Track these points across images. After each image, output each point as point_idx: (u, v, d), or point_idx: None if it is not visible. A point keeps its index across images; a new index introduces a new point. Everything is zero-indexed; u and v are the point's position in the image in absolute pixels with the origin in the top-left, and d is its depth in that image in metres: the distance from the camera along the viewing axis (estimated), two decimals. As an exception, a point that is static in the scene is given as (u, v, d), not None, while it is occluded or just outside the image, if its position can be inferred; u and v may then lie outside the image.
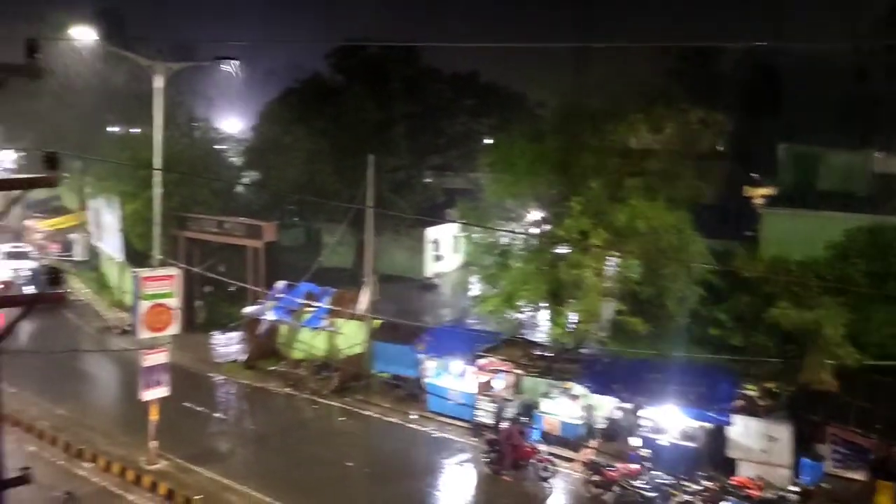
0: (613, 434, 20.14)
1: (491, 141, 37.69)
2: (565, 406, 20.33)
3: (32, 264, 34.82)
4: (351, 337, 24.89)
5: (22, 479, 8.37)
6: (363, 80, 37.77)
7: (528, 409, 20.78)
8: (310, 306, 25.47)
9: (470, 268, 26.05)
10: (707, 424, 18.71)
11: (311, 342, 25.48)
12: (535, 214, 25.89)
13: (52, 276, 9.76)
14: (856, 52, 43.27)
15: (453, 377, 22.38)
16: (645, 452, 18.32)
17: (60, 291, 11.28)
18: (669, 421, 18.91)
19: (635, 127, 24.52)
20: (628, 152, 24.11)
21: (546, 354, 21.91)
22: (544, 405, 20.56)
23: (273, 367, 25.88)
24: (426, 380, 22.89)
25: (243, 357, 26.71)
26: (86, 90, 39.59)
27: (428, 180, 41.69)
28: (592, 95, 25.36)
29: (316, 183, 33.57)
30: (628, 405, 19.79)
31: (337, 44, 39.54)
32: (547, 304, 23.78)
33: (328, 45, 39.24)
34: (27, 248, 37.72)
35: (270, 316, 26.26)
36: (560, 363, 21.26)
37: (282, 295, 26.34)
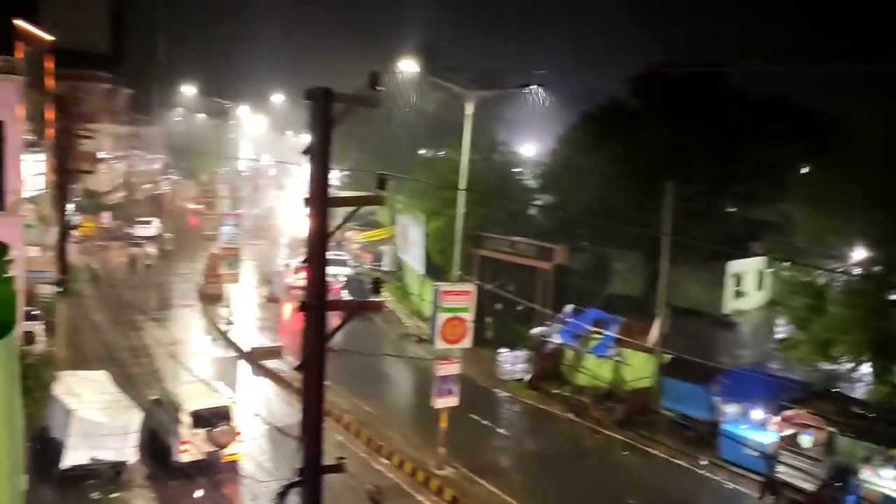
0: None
1: (805, 170, 34.35)
2: (890, 476, 17.48)
3: (348, 272, 38.92)
4: (638, 369, 24.02)
5: (338, 468, 9.13)
6: (663, 104, 36.57)
7: (842, 474, 18.17)
8: (597, 333, 25.11)
9: (776, 308, 23.86)
10: None
11: (595, 370, 25.07)
12: (860, 254, 22.90)
13: (374, 286, 10.61)
14: None
15: (752, 426, 20.44)
16: None
17: (380, 300, 12.29)
18: None
19: None
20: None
21: (867, 414, 19.08)
22: (863, 472, 17.87)
23: (556, 391, 25.86)
24: (721, 425, 21.21)
25: (527, 376, 27.09)
26: (402, 116, 43.56)
27: (729, 210, 39.03)
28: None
29: (608, 208, 33.13)
30: (977, 488, 16.46)
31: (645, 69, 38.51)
32: (870, 357, 20.87)
33: (632, 71, 38.45)
34: (345, 256, 42.25)
35: (557, 339, 26.42)
36: (885, 426, 18.36)
37: (569, 319, 26.32)
